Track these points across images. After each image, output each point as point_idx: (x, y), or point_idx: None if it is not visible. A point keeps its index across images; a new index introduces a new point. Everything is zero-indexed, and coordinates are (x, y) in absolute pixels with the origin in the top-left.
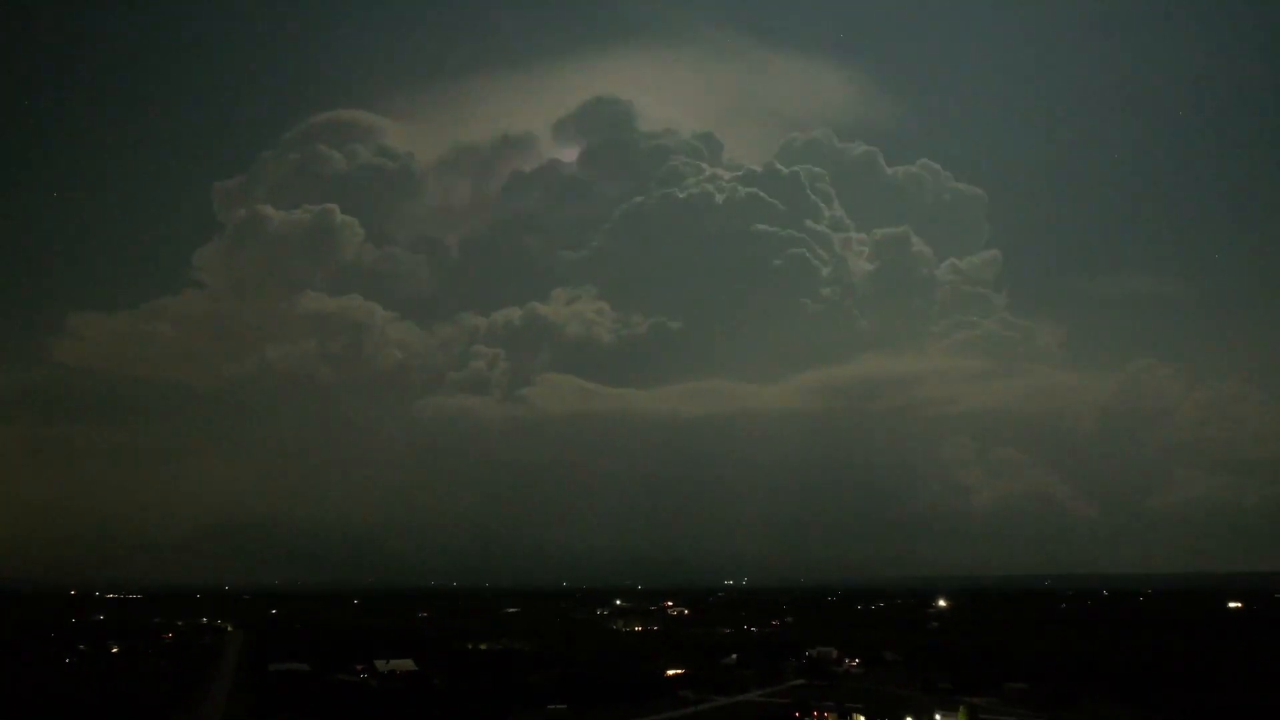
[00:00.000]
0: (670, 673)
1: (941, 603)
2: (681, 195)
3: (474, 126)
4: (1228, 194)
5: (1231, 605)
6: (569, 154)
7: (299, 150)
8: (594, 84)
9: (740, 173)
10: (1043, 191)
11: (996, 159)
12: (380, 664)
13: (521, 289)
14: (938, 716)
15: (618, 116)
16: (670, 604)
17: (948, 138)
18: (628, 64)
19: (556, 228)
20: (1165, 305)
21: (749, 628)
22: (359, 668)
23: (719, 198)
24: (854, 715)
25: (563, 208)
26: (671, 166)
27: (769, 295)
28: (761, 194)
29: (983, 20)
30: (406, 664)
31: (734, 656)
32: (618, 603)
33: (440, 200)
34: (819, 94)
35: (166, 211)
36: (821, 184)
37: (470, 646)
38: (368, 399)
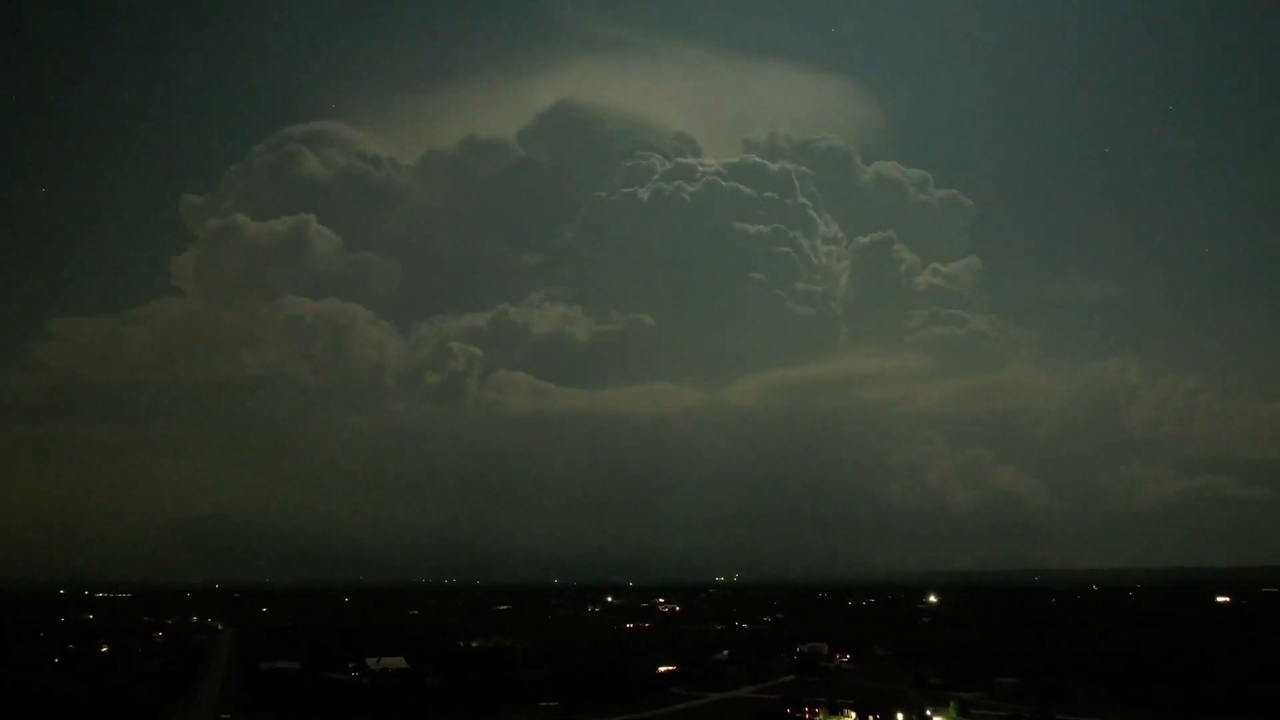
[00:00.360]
0: (662, 669)
1: (932, 598)
2: (654, 195)
3: (445, 133)
4: (1226, 193)
5: (1220, 600)
6: (539, 155)
7: (272, 158)
8: (565, 89)
9: (717, 172)
10: (1019, 197)
11: (975, 165)
12: (372, 662)
13: (496, 290)
14: (928, 712)
15: (588, 118)
16: (662, 601)
17: (927, 144)
18: (599, 69)
19: (528, 229)
20: (1151, 306)
21: (740, 624)
22: (350, 666)
23: (694, 197)
24: (845, 711)
25: (535, 209)
26: (643, 165)
27: (748, 294)
28: (741, 189)
29: (961, 28)
30: (398, 662)
31: (725, 653)
32: (609, 600)
33: (413, 205)
34: (798, 98)
35: (150, 221)
36: (804, 183)
37: (462, 644)
38: (348, 399)
